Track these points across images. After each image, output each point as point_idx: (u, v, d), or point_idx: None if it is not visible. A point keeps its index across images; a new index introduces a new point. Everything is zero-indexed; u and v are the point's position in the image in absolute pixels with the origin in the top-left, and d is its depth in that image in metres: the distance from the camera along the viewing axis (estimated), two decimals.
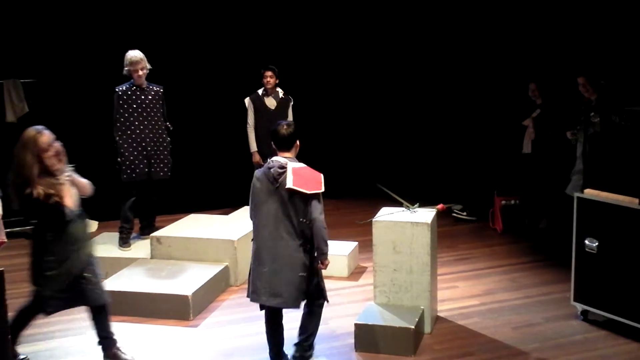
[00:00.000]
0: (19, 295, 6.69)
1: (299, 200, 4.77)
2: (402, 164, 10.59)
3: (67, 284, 4.91)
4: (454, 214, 9.32)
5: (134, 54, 7.30)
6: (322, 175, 4.88)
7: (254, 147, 8.40)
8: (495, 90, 9.46)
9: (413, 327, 5.29)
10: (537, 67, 8.86)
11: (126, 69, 7.31)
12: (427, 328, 5.69)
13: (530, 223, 8.56)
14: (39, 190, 4.66)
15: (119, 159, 7.42)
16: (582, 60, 8.05)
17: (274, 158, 4.90)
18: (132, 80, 7.37)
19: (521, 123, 8.63)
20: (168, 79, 9.12)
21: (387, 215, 5.79)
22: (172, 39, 9.62)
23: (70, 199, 4.78)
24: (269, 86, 8.33)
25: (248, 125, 8.42)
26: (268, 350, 5.09)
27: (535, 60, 9.02)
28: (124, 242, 7.53)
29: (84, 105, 9.15)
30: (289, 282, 4.77)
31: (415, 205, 5.94)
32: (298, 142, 4.97)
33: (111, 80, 7.62)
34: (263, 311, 5.01)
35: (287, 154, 4.92)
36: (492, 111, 9.45)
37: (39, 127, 4.82)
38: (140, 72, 7.31)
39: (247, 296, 4.97)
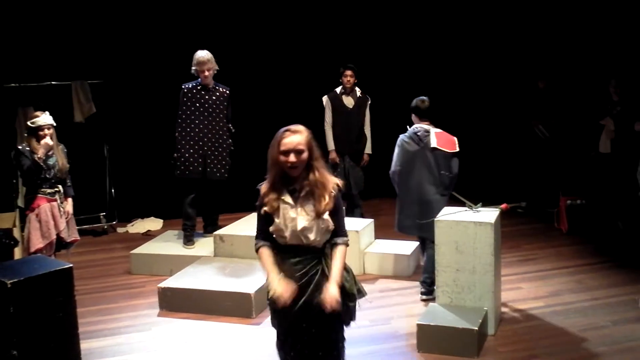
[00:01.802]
0: (87, 291, 6.93)
1: (440, 156, 6.25)
2: (465, 162, 10.46)
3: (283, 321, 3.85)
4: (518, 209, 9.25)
5: (202, 55, 7.38)
6: (456, 138, 6.36)
7: (331, 145, 8.38)
8: (566, 89, 9.32)
9: (476, 328, 5.23)
10: (617, 64, 8.68)
11: (193, 68, 7.41)
12: (491, 329, 5.61)
13: (603, 223, 8.32)
14: (264, 196, 3.75)
15: (175, 154, 7.54)
16: None
17: (417, 125, 6.39)
18: (199, 78, 7.48)
19: (599, 122, 8.45)
20: (246, 77, 9.26)
21: (449, 214, 5.74)
22: (251, 38, 9.74)
23: (281, 222, 3.70)
24: (348, 85, 8.31)
25: (326, 124, 8.40)
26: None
27: (614, 56, 8.83)
28: (188, 240, 7.64)
29: (150, 105, 9.32)
30: (432, 223, 5.86)
31: (478, 205, 5.86)
32: None
33: (178, 80, 7.72)
34: None
35: (427, 122, 6.39)
36: (561, 110, 9.30)
37: (294, 126, 3.77)
38: (207, 73, 7.39)
39: (395, 229, 6.58)
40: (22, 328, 4.59)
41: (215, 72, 7.51)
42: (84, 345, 5.30)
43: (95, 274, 7.51)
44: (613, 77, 8.32)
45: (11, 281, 4.53)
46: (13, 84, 8.70)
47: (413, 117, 6.49)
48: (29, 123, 6.40)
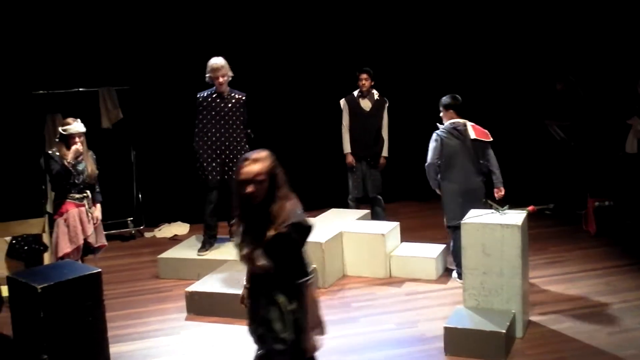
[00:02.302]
0: (116, 295, 6.99)
1: (479, 147, 6.72)
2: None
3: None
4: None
5: (215, 61, 7.34)
6: (487, 130, 6.83)
7: (347, 148, 8.39)
8: (589, 90, 9.23)
9: (504, 331, 5.20)
10: None
11: (208, 75, 7.36)
12: (519, 332, 5.58)
13: (631, 225, 8.24)
14: None
15: (197, 164, 7.57)
16: None
17: (455, 120, 6.80)
18: (214, 86, 7.47)
19: (626, 121, 8.36)
20: (264, 81, 9.29)
21: (476, 217, 5.71)
22: (269, 43, 9.77)
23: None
24: (364, 88, 8.32)
25: (343, 127, 8.42)
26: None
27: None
28: (202, 247, 7.62)
29: (177, 111, 9.35)
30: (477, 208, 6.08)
31: (505, 207, 5.83)
32: None
33: (203, 86, 7.75)
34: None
35: (461, 118, 6.82)
36: (577, 113, 9.22)
37: (256, 154, 3.67)
38: (221, 79, 7.33)
39: (448, 223, 6.83)
40: (52, 332, 4.65)
41: (230, 78, 7.47)
42: (114, 349, 5.36)
43: (123, 279, 7.58)
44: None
45: (41, 286, 4.60)
46: (41, 91, 8.80)
47: (449, 113, 6.86)
48: (60, 130, 6.45)
